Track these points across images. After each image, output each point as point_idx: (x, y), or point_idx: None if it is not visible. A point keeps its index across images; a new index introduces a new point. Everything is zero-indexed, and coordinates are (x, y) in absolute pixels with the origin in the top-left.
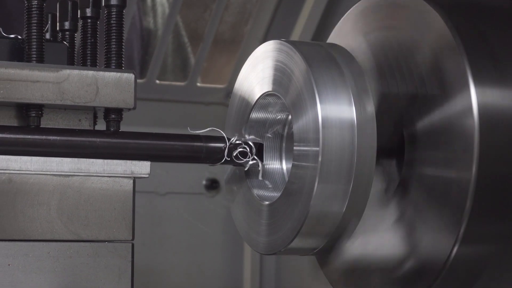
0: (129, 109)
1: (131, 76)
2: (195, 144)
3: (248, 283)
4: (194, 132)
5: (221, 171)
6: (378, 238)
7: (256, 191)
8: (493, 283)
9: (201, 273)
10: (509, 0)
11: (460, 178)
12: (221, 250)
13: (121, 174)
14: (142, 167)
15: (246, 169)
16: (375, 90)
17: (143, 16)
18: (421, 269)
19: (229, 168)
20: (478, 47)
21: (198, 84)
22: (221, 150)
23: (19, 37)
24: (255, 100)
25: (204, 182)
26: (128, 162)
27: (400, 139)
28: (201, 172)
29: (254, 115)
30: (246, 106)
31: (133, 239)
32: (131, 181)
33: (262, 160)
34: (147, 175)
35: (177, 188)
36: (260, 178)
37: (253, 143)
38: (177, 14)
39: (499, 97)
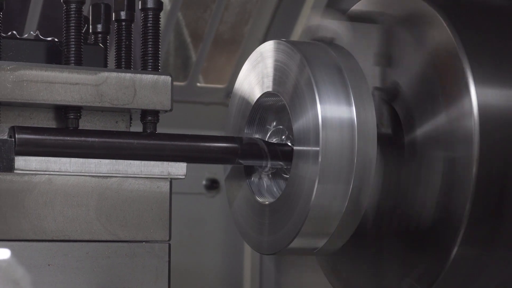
0: (166, 111)
1: (168, 79)
2: (231, 145)
3: (248, 283)
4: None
5: (221, 171)
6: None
7: (256, 191)
8: (493, 283)
9: (201, 273)
10: (509, 0)
11: (460, 178)
12: (221, 250)
13: (158, 175)
14: (179, 168)
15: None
16: (375, 90)
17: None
18: (421, 269)
19: (229, 168)
20: (478, 47)
21: (198, 84)
22: (260, 152)
23: (56, 39)
24: (255, 100)
25: (204, 182)
26: (165, 163)
27: (401, 138)
28: (201, 172)
29: (254, 115)
30: (246, 106)
31: (170, 239)
32: (168, 182)
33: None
34: (184, 176)
35: (177, 188)
36: (264, 178)
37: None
38: (177, 12)
39: (499, 97)
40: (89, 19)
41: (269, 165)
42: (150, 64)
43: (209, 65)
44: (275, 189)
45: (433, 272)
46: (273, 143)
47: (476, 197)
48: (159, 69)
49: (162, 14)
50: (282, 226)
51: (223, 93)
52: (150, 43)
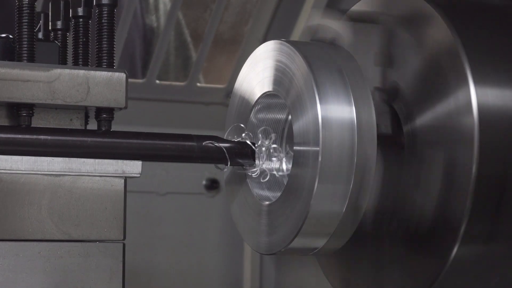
0: (121, 109)
1: (122, 76)
2: (187, 143)
3: (248, 283)
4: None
5: (221, 171)
6: (376, 241)
7: (256, 191)
8: (493, 282)
9: (201, 273)
10: (509, 0)
11: (460, 178)
12: (221, 250)
13: (113, 173)
14: (134, 167)
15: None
16: (375, 90)
17: (145, 14)
18: (421, 269)
19: (229, 168)
20: (478, 46)
21: (198, 84)
22: (217, 150)
23: (10, 36)
24: (255, 100)
25: (204, 182)
26: (120, 161)
27: (401, 138)
28: (201, 172)
29: (254, 115)
30: (246, 106)
31: (124, 239)
32: (123, 180)
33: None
34: (139, 175)
35: (177, 188)
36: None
37: (251, 142)
38: (177, 12)
39: (499, 96)
40: (49, 15)
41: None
42: (105, 60)
43: (209, 65)
44: (275, 189)
45: (433, 272)
46: (235, 142)
47: (476, 196)
48: (113, 66)
49: (162, 14)
50: (282, 226)
51: (223, 93)
52: (105, 39)
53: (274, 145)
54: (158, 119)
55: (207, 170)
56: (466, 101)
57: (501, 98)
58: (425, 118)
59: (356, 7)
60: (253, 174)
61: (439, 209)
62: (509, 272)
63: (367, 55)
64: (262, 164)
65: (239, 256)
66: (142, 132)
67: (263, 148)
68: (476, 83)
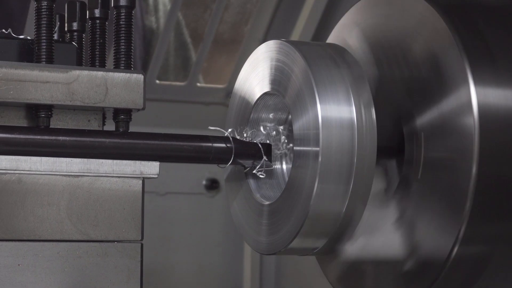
0: (138, 110)
1: (140, 77)
2: (204, 144)
3: (248, 283)
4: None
5: (221, 171)
6: (378, 238)
7: (256, 191)
8: (493, 283)
9: (201, 273)
10: (509, 0)
11: (460, 178)
12: (221, 250)
13: (130, 174)
14: (151, 168)
15: (254, 171)
16: (375, 91)
17: (145, 15)
18: (421, 269)
19: (229, 168)
20: (477, 46)
21: (198, 84)
22: (230, 151)
23: (28, 37)
24: (255, 100)
25: (204, 182)
26: (137, 162)
27: (400, 138)
28: (201, 172)
29: (254, 115)
30: (246, 106)
31: (142, 239)
32: (140, 181)
33: (270, 161)
34: (156, 176)
35: (177, 188)
36: (264, 177)
37: (261, 144)
38: (177, 12)
39: (498, 96)
40: (65, 17)
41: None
42: (123, 62)
43: (209, 65)
44: (275, 189)
45: (433, 272)
46: (245, 142)
47: (476, 196)
48: (131, 67)
49: (162, 15)
50: (282, 226)
51: (223, 93)
52: (123, 41)
53: (290, 145)
54: (158, 119)
55: (207, 170)
56: (466, 101)
57: (501, 98)
58: (425, 118)
59: (355, 8)
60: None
61: (439, 209)
62: (509, 272)
63: (367, 55)
64: (276, 164)
65: (239, 256)
66: (160, 133)
67: (277, 150)
68: (476, 83)
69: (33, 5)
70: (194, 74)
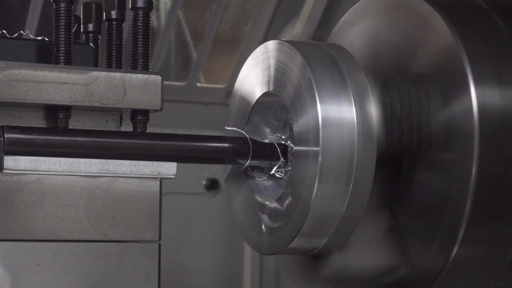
0: (156, 111)
1: (158, 78)
2: (221, 145)
3: (248, 283)
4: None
5: (221, 171)
6: (378, 239)
7: (256, 191)
8: (493, 282)
9: (200, 273)
10: (509, 1)
11: (460, 180)
12: (221, 250)
13: (148, 175)
14: (169, 168)
15: (272, 172)
16: (375, 91)
17: None
18: (422, 269)
19: (229, 168)
20: (478, 47)
21: (198, 84)
22: (247, 152)
23: (46, 39)
24: (255, 100)
25: (204, 182)
26: (155, 163)
27: (400, 138)
28: (201, 172)
29: (255, 115)
30: (246, 106)
31: (159, 239)
32: (158, 182)
33: (286, 162)
34: (174, 176)
35: (177, 188)
36: (265, 178)
37: (278, 144)
38: (177, 12)
39: (499, 98)
40: (80, 18)
41: (263, 165)
42: (140, 63)
43: (210, 65)
44: (275, 189)
45: (433, 272)
46: (261, 143)
47: (476, 197)
48: (149, 68)
49: (162, 14)
50: (282, 226)
51: (223, 93)
52: (140, 42)
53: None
54: (158, 119)
55: (207, 170)
56: (466, 101)
57: (501, 99)
58: (425, 119)
59: (355, 8)
60: (277, 174)
61: (439, 209)
62: (509, 273)
63: (366, 55)
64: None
65: (239, 256)
66: (177, 134)
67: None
68: (476, 83)
69: (33, 5)
70: (194, 74)
